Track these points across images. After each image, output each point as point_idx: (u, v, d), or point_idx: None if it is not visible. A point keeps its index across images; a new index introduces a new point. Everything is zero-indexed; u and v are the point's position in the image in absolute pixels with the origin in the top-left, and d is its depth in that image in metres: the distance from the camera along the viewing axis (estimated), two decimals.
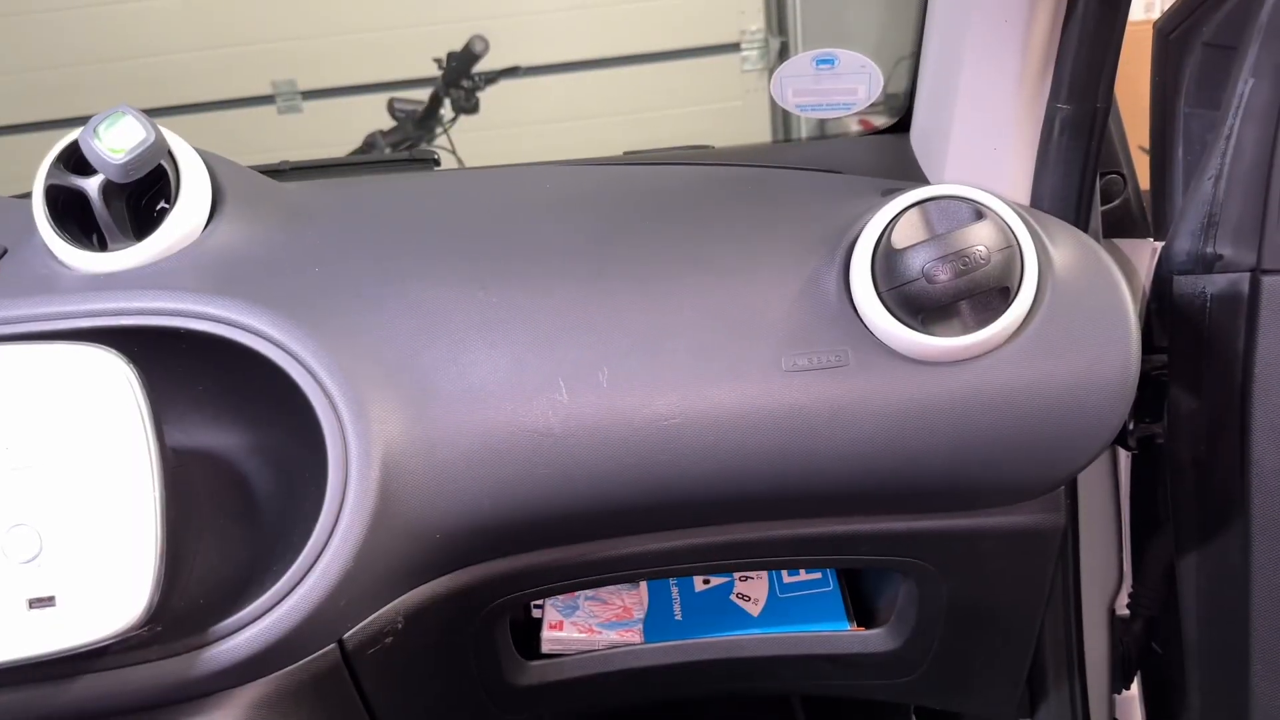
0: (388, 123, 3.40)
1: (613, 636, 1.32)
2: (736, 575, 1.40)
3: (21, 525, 0.82)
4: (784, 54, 4.08)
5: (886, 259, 0.97)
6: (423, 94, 3.43)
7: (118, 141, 0.95)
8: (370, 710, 1.10)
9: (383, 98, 3.47)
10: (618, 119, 4.15)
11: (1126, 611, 1.37)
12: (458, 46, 3.40)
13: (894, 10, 1.39)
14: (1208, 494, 1.14)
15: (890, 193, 1.04)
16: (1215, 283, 1.08)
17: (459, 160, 3.34)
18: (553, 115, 4.06)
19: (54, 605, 0.82)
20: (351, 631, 1.01)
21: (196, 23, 3.91)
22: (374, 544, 0.93)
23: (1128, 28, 1.01)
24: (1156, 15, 1.19)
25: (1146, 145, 1.22)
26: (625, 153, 1.39)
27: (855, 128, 1.49)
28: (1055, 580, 1.27)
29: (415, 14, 3.92)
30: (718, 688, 1.38)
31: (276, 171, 1.35)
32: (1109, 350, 0.98)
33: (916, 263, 0.94)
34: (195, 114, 3.96)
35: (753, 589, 1.38)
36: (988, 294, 0.95)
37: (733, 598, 1.37)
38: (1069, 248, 1.02)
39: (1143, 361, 1.00)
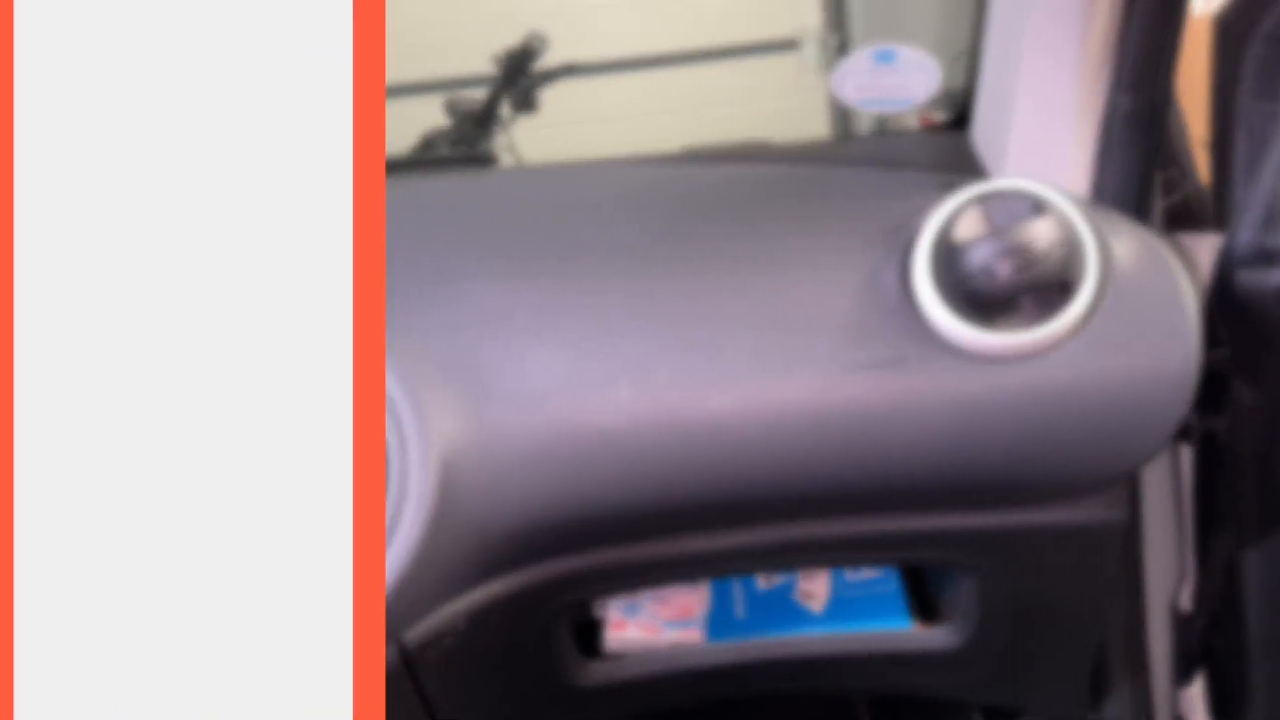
0: (445, 122, 3.40)
1: (675, 635, 1.32)
2: (800, 572, 1.40)
3: None
4: (842, 50, 4.07)
5: (946, 255, 0.97)
6: (480, 93, 3.44)
7: None
8: (431, 711, 1.10)
9: (439, 97, 3.47)
10: (676, 116, 4.15)
11: (1189, 607, 1.36)
12: (515, 45, 3.40)
13: (952, 5, 1.38)
14: (1269, 489, 1.13)
15: (950, 188, 1.04)
16: (1278, 276, 1.07)
17: (518, 158, 3.35)
18: (611, 113, 4.06)
19: None
20: (411, 632, 1.02)
21: None
22: (433, 544, 0.94)
23: (1186, 24, 1.00)
24: (1214, 11, 1.18)
25: (1206, 140, 1.21)
26: (684, 149, 1.39)
27: (914, 124, 1.48)
28: (1118, 576, 1.26)
29: (471, 12, 3.92)
30: (780, 686, 1.38)
31: None
32: (1170, 345, 0.98)
33: (977, 258, 0.94)
34: None
35: (815, 586, 1.38)
36: (1048, 289, 0.94)
37: (795, 595, 1.37)
38: (1130, 242, 1.02)
39: (1204, 356, 0.99)
